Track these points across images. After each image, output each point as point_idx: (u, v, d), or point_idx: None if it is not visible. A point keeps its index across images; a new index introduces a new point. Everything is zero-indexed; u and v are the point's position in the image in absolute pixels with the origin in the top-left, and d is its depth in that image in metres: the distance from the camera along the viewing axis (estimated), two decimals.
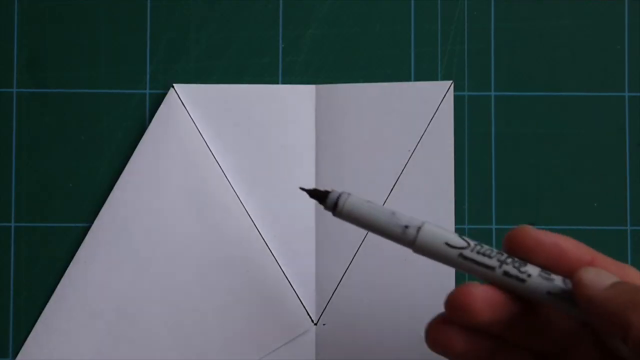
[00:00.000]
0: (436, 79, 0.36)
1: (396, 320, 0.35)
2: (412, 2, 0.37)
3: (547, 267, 0.25)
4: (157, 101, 0.36)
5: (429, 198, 0.35)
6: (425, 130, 0.36)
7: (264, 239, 0.35)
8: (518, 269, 0.24)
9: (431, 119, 0.36)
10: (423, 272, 0.35)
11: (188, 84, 0.36)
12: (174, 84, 0.36)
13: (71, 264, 0.35)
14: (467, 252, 0.24)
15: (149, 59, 0.36)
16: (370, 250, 0.35)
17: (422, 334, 0.27)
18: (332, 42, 0.36)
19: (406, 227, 0.25)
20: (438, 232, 0.25)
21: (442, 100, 0.36)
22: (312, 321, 0.35)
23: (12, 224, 0.36)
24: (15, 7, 0.36)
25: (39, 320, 0.35)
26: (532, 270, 0.24)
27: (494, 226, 0.36)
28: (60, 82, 0.36)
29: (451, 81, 0.36)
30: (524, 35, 0.37)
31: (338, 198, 0.26)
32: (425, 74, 0.36)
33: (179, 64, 0.36)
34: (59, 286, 0.35)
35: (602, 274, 0.24)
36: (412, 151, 0.35)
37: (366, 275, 0.35)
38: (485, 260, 0.24)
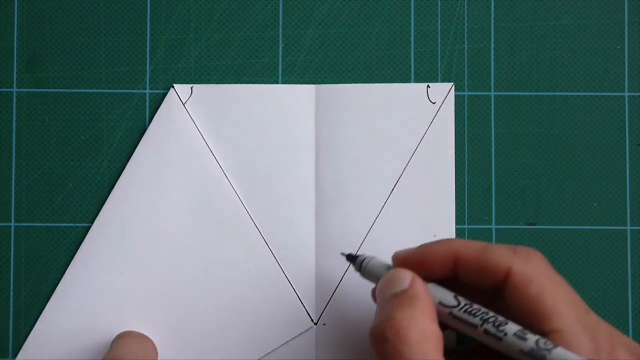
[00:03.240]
0: (436, 79, 0.36)
1: None
2: (412, 2, 0.37)
3: (424, 276, 0.28)
4: (157, 101, 0.36)
5: (429, 198, 0.35)
6: (425, 132, 0.36)
7: (264, 239, 0.35)
8: (497, 327, 0.26)
9: (432, 121, 0.36)
10: None
11: (188, 84, 0.36)
12: (174, 84, 0.36)
13: (71, 264, 0.35)
14: (455, 311, 0.27)
15: (149, 59, 0.36)
16: (370, 250, 0.35)
17: None
18: (332, 42, 0.36)
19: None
20: (435, 292, 0.28)
21: (443, 102, 0.36)
22: (312, 321, 0.35)
23: (12, 224, 0.36)
24: (15, 7, 0.36)
25: (39, 320, 0.35)
26: (510, 329, 0.26)
27: (494, 226, 0.36)
28: (60, 82, 0.36)
29: (452, 83, 0.36)
30: (524, 35, 0.37)
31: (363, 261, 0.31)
32: (425, 74, 0.36)
33: (179, 64, 0.36)
34: (59, 286, 0.35)
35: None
36: (412, 152, 0.35)
37: None
38: (470, 319, 0.27)
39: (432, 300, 0.28)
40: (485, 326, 0.26)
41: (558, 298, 0.26)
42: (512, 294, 0.26)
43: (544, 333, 0.26)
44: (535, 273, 0.27)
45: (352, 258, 0.32)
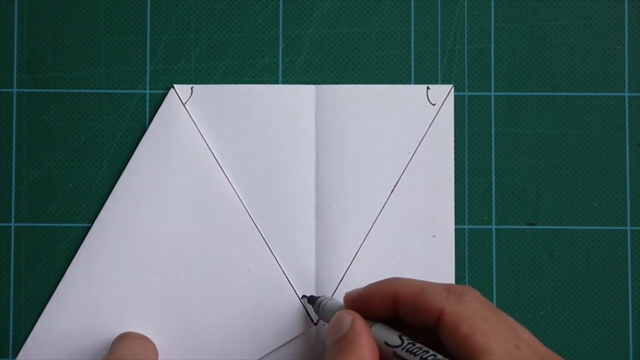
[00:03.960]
0: (436, 79, 0.36)
1: None
2: (412, 2, 0.37)
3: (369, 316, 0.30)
4: (157, 101, 0.36)
5: (429, 198, 0.35)
6: (425, 133, 0.36)
7: (264, 239, 0.35)
8: None
9: (431, 122, 0.36)
10: (422, 273, 0.35)
11: (188, 84, 0.36)
12: (174, 84, 0.36)
13: (71, 264, 0.35)
14: (398, 351, 0.28)
15: (149, 59, 0.36)
16: (370, 250, 0.35)
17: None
18: (332, 42, 0.36)
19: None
20: (380, 332, 0.29)
21: (442, 104, 0.36)
22: (312, 321, 0.35)
23: (12, 224, 0.36)
24: (15, 7, 0.36)
25: (39, 320, 0.35)
26: None
27: (494, 226, 0.36)
28: (60, 82, 0.36)
29: (452, 85, 0.36)
30: (524, 35, 0.37)
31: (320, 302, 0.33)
32: (425, 74, 0.36)
33: (178, 64, 0.36)
34: (59, 286, 0.35)
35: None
36: (412, 153, 0.35)
37: (366, 275, 0.35)
38: (411, 358, 0.27)
39: (372, 341, 0.28)
40: None
41: (488, 335, 0.26)
42: (445, 334, 0.27)
43: None
44: (467, 312, 0.27)
45: (311, 300, 0.34)
